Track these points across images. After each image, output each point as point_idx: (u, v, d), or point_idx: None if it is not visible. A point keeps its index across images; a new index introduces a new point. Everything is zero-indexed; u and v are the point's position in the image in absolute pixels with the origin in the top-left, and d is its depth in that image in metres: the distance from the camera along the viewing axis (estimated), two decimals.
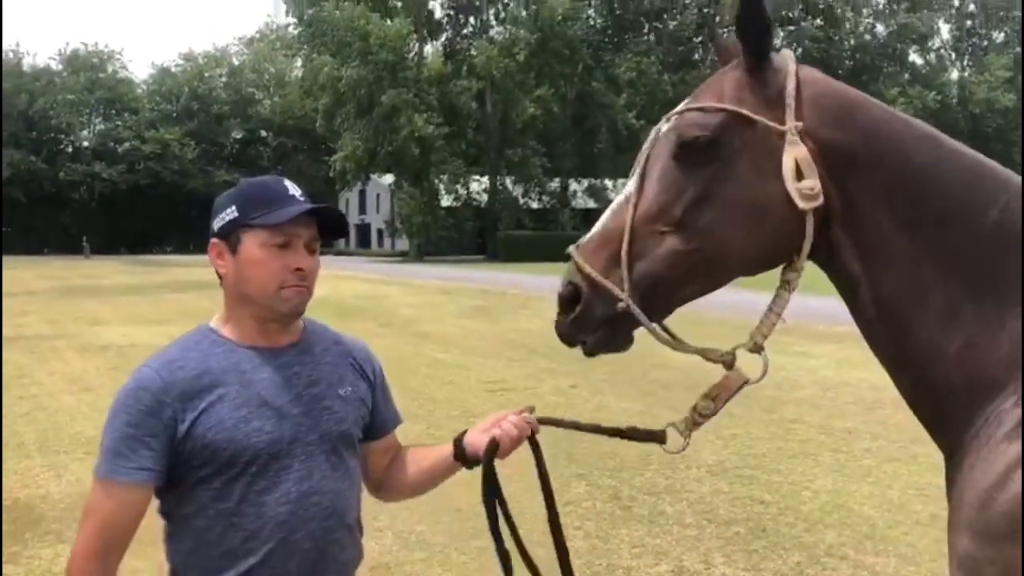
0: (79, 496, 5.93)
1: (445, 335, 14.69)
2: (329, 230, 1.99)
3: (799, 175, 1.67)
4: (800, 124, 1.69)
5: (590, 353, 1.86)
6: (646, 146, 1.82)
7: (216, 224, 1.90)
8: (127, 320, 17.93)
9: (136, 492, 1.79)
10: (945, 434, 1.71)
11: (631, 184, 1.80)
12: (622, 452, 6.76)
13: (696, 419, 1.93)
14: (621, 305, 1.74)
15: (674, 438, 1.97)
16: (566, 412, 8.35)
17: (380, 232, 69.83)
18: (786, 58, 1.77)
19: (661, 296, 1.77)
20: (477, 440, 2.05)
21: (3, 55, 72.41)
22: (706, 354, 1.86)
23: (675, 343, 1.85)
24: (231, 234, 1.88)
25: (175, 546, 1.88)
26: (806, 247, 1.72)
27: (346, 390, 1.99)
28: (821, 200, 1.67)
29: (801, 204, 1.67)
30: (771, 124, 1.70)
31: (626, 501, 5.76)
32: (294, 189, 1.91)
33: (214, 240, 1.91)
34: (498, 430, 2.04)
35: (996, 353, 1.60)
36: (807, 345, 12.77)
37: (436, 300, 22.73)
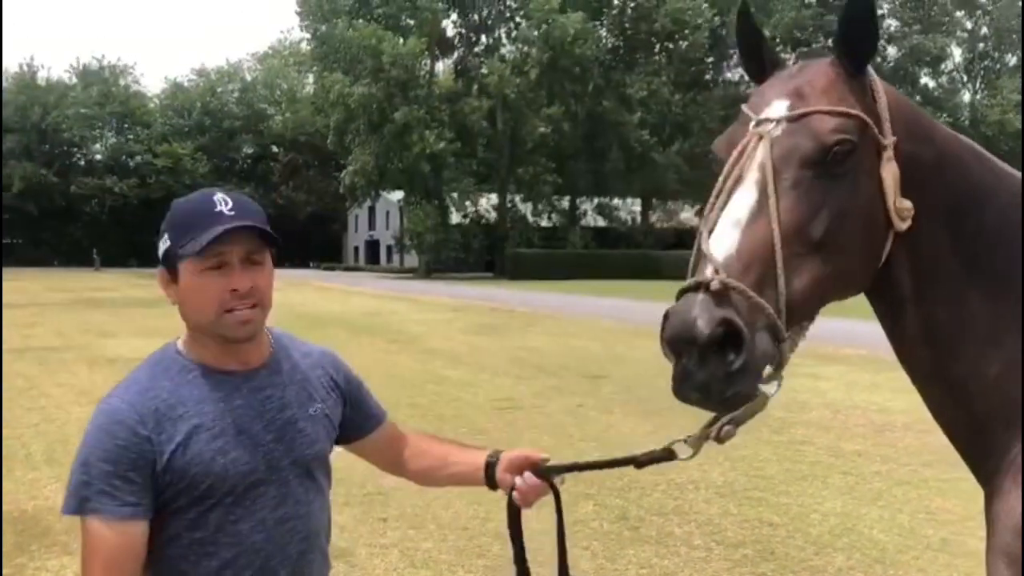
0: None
1: (453, 352, 14.67)
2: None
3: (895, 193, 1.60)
4: (895, 139, 1.60)
5: (729, 409, 1.56)
6: (759, 151, 1.57)
7: (159, 253, 1.85)
8: (136, 332, 17.97)
9: (127, 528, 1.73)
10: (984, 460, 1.70)
11: (747, 195, 1.55)
12: (631, 473, 6.71)
13: (720, 438, 1.73)
14: (783, 346, 1.50)
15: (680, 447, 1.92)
16: (575, 431, 8.32)
17: (389, 248, 70.05)
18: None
19: (785, 331, 1.54)
20: (505, 478, 2.09)
21: (20, 69, 73.02)
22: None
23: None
24: (170, 263, 1.82)
25: (150, 574, 1.83)
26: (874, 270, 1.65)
27: (315, 408, 1.95)
28: (910, 221, 1.59)
29: (900, 225, 1.59)
30: (879, 136, 1.59)
31: (634, 522, 5.72)
32: (222, 204, 1.79)
33: (160, 269, 1.86)
34: (519, 484, 2.07)
35: None
36: (816, 367, 12.70)
37: (444, 317, 22.73)
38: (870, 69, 1.68)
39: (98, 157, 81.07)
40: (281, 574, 1.84)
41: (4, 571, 4.92)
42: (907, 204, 1.59)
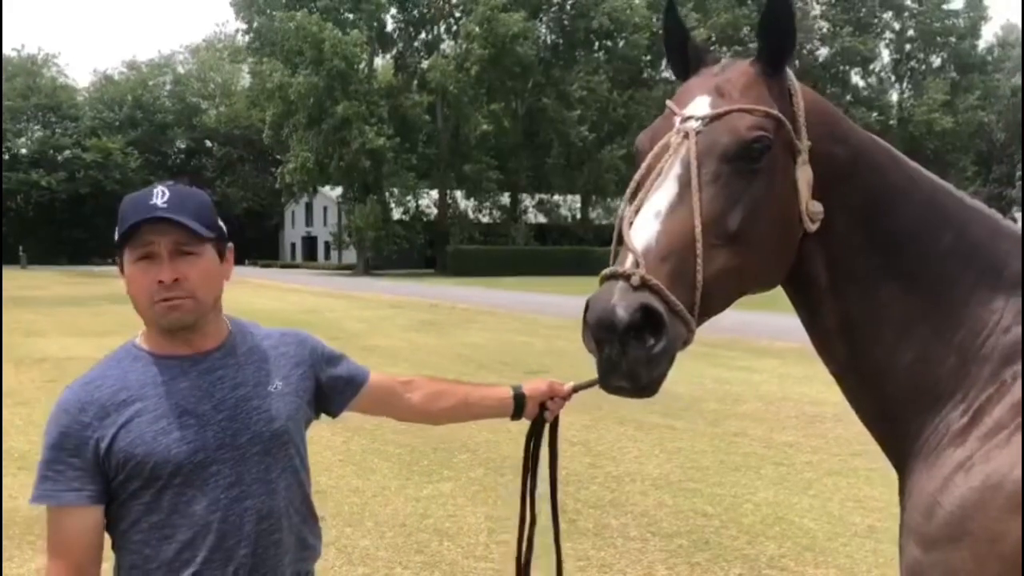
0: (11, 511, 5.75)
1: (393, 349, 14.56)
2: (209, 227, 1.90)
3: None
4: (810, 143, 1.66)
5: (646, 394, 1.56)
6: (682, 147, 1.61)
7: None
8: (66, 332, 17.49)
9: (77, 514, 1.79)
10: (896, 445, 1.76)
11: (667, 189, 1.59)
12: (568, 466, 6.78)
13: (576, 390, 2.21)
14: (690, 338, 1.56)
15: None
16: (513, 426, 8.33)
17: (327, 245, 69.24)
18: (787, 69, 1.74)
19: (698, 318, 1.59)
20: (532, 408, 2.33)
21: None
22: None
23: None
24: (119, 253, 1.89)
25: (119, 562, 1.89)
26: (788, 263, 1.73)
27: (275, 386, 1.97)
28: (819, 223, 1.67)
29: (811, 226, 1.66)
30: (795, 139, 1.64)
31: (571, 515, 5.77)
32: (159, 196, 1.83)
33: (116, 258, 1.93)
34: (552, 405, 2.35)
35: (944, 366, 1.67)
36: (750, 360, 12.96)
37: (384, 314, 22.59)
38: (789, 72, 1.73)
39: (23, 151, 78.48)
40: (240, 553, 1.84)
41: None
42: (818, 208, 1.66)
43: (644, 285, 1.48)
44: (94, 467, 1.79)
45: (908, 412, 1.70)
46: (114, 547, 1.89)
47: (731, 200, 1.58)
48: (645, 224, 1.56)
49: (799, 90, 1.70)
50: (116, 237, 1.83)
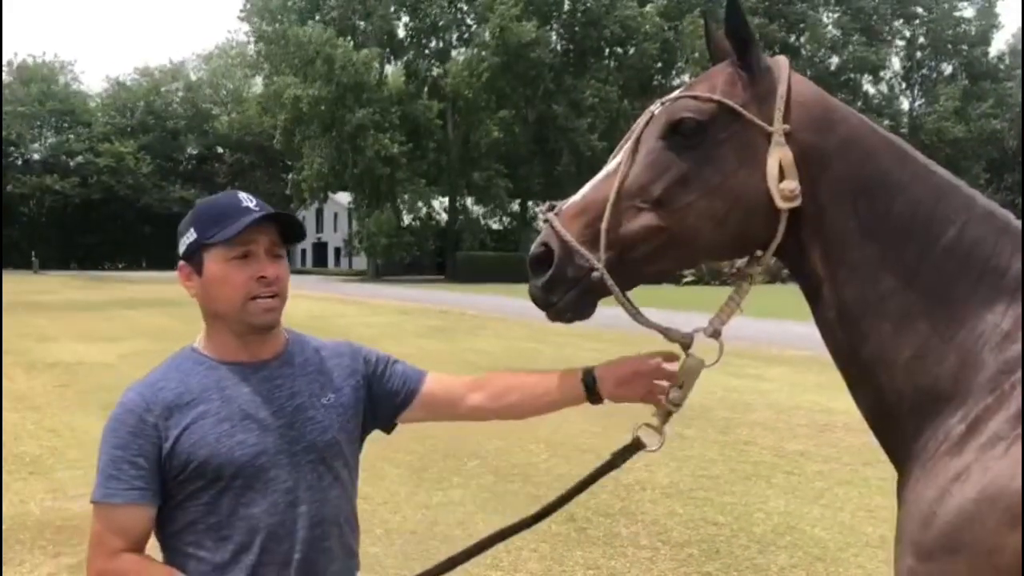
0: (22, 516, 5.78)
1: (403, 355, 14.05)
2: (290, 235, 1.99)
3: (782, 176, 1.74)
4: (788, 127, 1.75)
5: (558, 317, 1.89)
6: (637, 125, 1.87)
7: (180, 248, 1.95)
8: (77, 337, 17.57)
9: (133, 512, 1.83)
10: (894, 445, 1.75)
11: (616, 159, 1.86)
12: (578, 473, 6.76)
13: (670, 409, 1.99)
14: (595, 274, 1.80)
15: (643, 437, 2.06)
16: (522, 434, 8.34)
17: (337, 251, 69.46)
18: (780, 62, 1.84)
19: (627, 268, 1.82)
20: (616, 391, 2.07)
21: None
22: (667, 333, 1.93)
23: (639, 316, 1.89)
24: (194, 256, 1.92)
25: (168, 562, 1.90)
26: (774, 245, 1.80)
27: (328, 398, 2.01)
28: (799, 202, 1.74)
29: (781, 204, 1.74)
30: (759, 122, 1.77)
31: (581, 523, 5.75)
32: (248, 201, 1.92)
33: (181, 263, 1.96)
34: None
35: (942, 365, 1.64)
36: (761, 368, 12.92)
37: (394, 320, 22.62)
38: (780, 62, 1.83)
39: (36, 156, 79.01)
40: (293, 558, 1.88)
41: None
42: (791, 185, 1.72)
43: (552, 231, 1.83)
44: (156, 467, 1.84)
45: (906, 411, 1.69)
46: (163, 547, 1.92)
47: (658, 170, 1.80)
48: (586, 185, 1.90)
49: (784, 81, 1.79)
50: (203, 238, 1.88)
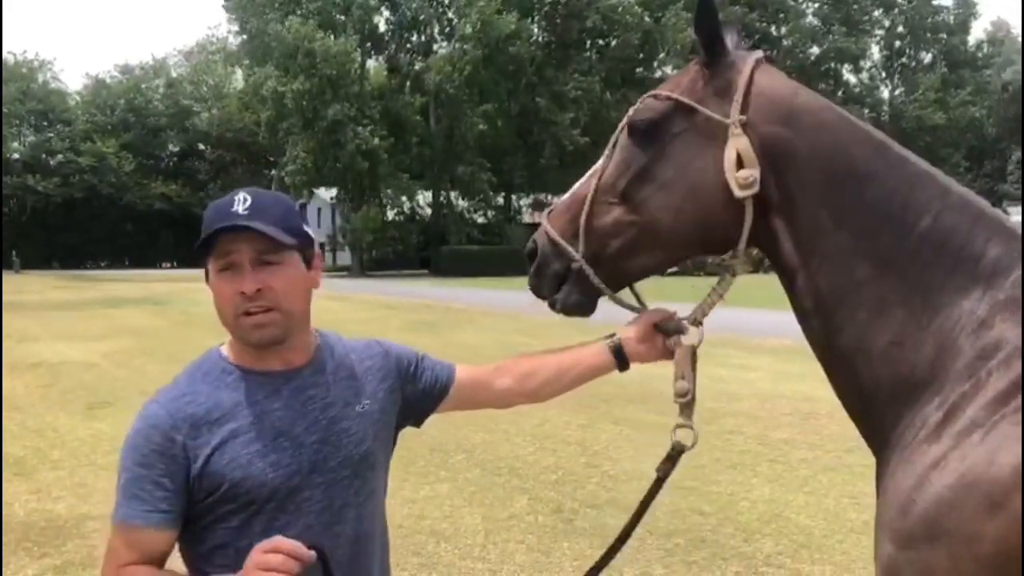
0: (6, 518, 5.75)
1: None
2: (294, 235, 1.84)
3: (740, 166, 1.76)
4: (744, 118, 1.78)
5: (560, 311, 1.99)
6: (620, 126, 1.96)
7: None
8: (59, 337, 17.44)
9: (154, 535, 1.72)
10: (873, 433, 1.76)
11: (601, 159, 1.96)
12: (565, 466, 6.80)
13: (687, 402, 2.04)
14: (575, 265, 1.92)
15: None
16: (509, 427, 8.35)
17: (322, 246, 68.56)
18: (747, 57, 1.86)
19: (608, 264, 1.92)
20: (639, 349, 2.06)
21: None
22: (659, 325, 2.04)
23: (623, 303, 2.00)
24: (203, 263, 1.81)
25: None
26: (744, 234, 1.82)
27: (363, 405, 1.92)
28: (756, 188, 1.76)
29: (737, 192, 1.77)
30: (713, 115, 1.81)
31: (568, 514, 5.78)
32: (240, 203, 1.76)
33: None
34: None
35: (919, 352, 1.65)
36: (745, 358, 12.98)
37: (379, 315, 22.59)
38: (746, 57, 1.86)
39: (16, 156, 78.17)
40: None
41: None
42: (745, 173, 1.76)
43: (544, 231, 1.98)
44: (182, 489, 1.72)
45: (883, 397, 1.70)
46: (190, 568, 1.81)
47: (623, 167, 1.91)
48: (575, 184, 2.01)
49: (745, 74, 1.82)
50: (196, 245, 1.76)
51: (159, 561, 1.75)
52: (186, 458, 1.72)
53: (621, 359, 2.08)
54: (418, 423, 2.16)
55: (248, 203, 1.76)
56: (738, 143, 1.77)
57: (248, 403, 1.78)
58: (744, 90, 1.80)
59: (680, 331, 2.00)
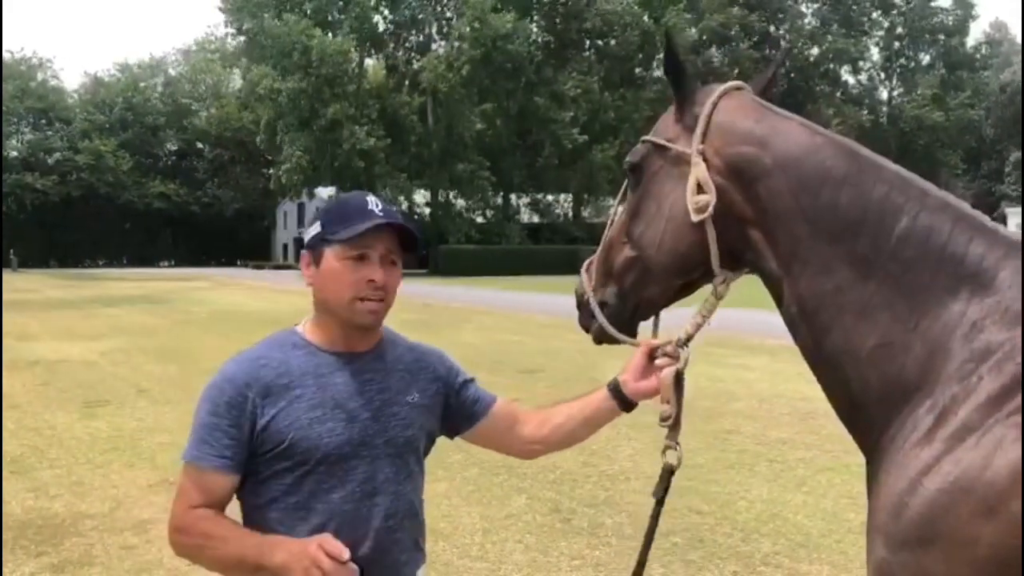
0: (4, 516, 5.73)
1: None
2: (410, 245, 2.07)
3: (700, 191, 1.85)
4: (702, 147, 1.88)
5: (594, 341, 2.17)
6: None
7: (305, 237, 2.07)
8: (58, 335, 17.44)
9: (217, 477, 1.92)
10: (864, 436, 1.76)
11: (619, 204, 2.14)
12: (562, 465, 6.80)
13: (672, 425, 2.14)
14: (585, 297, 2.13)
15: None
16: None
17: None
18: (712, 90, 1.95)
19: (631, 297, 2.05)
20: (639, 386, 2.20)
21: None
22: (656, 351, 2.15)
23: (618, 336, 2.10)
24: (316, 247, 2.01)
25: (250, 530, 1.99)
26: (712, 255, 1.90)
27: (413, 397, 2.11)
28: (710, 212, 1.84)
29: (694, 217, 1.86)
30: (679, 149, 1.93)
31: (566, 514, 5.78)
32: (374, 204, 2.00)
33: (303, 252, 2.07)
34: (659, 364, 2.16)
35: (908, 354, 1.65)
36: (743, 357, 13.00)
37: None
38: (711, 90, 1.95)
39: (15, 154, 78.08)
40: (366, 545, 1.94)
41: None
42: (696, 198, 1.85)
43: (582, 270, 2.19)
44: (247, 440, 1.92)
45: (873, 400, 1.70)
46: (246, 519, 1.99)
47: (626, 209, 2.06)
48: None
49: (707, 106, 1.91)
50: (326, 232, 1.98)
51: (220, 503, 1.94)
52: (253, 413, 1.92)
53: (622, 400, 2.23)
54: (451, 434, 2.33)
55: (380, 206, 2.00)
56: (697, 171, 1.86)
57: (314, 374, 1.98)
58: (705, 122, 1.89)
59: (672, 357, 2.10)
